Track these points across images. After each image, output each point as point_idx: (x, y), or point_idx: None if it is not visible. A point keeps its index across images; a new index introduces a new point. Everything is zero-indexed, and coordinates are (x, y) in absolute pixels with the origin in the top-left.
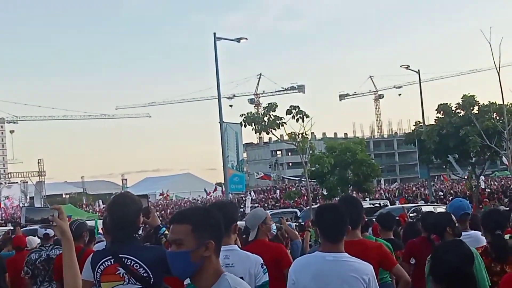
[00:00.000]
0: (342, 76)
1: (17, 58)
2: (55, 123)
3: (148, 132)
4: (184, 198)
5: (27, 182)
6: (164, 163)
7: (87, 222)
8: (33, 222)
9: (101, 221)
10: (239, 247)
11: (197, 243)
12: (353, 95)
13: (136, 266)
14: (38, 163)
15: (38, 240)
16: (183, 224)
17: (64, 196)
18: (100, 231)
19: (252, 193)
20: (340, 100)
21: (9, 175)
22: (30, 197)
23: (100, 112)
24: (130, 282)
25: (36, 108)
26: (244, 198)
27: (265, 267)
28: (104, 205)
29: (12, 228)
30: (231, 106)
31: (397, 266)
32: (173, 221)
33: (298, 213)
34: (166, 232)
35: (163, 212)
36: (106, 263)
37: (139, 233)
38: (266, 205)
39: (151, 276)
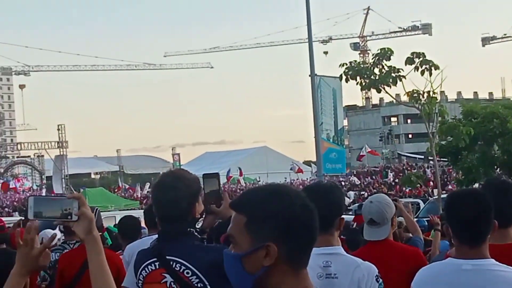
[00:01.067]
0: (485, 12)
1: None
2: (80, 76)
3: (209, 89)
4: (259, 181)
5: (42, 156)
6: (232, 133)
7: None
8: (44, 217)
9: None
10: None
11: (251, 244)
12: (502, 38)
13: (188, 272)
14: (58, 130)
15: (59, 234)
16: (238, 214)
17: (93, 176)
18: (143, 224)
19: (353, 177)
20: (483, 46)
21: (19, 146)
22: (46, 177)
23: (143, 60)
24: None
25: (55, 54)
26: (344, 183)
27: (381, 280)
28: (148, 189)
29: (23, 218)
30: (326, 53)
31: None
32: (232, 207)
33: (421, 205)
34: None
35: None
36: (149, 267)
37: (197, 227)
38: (374, 193)
39: (208, 286)
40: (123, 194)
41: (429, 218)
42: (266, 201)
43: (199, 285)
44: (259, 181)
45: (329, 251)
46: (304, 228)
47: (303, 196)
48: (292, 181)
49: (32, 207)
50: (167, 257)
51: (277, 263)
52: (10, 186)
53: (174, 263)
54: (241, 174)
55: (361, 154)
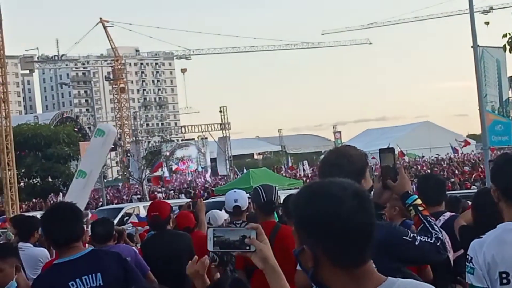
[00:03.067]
0: None
1: None
2: (240, 57)
3: (367, 65)
4: (422, 156)
5: (206, 138)
6: (393, 109)
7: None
8: (223, 248)
9: None
10: None
11: (298, 245)
12: None
13: None
14: (221, 112)
15: (226, 215)
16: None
17: (256, 156)
18: None
19: None
20: None
21: (183, 129)
22: (211, 159)
23: (301, 39)
24: None
25: (215, 37)
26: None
27: None
28: (310, 168)
29: (189, 200)
30: (487, 23)
31: None
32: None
33: None
34: (418, 201)
35: None
36: None
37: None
38: None
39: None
40: (286, 174)
41: None
42: (301, 205)
43: None
44: (423, 156)
45: None
46: (342, 228)
47: (345, 195)
48: (455, 156)
49: (212, 238)
50: None
51: (321, 262)
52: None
53: None
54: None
55: None
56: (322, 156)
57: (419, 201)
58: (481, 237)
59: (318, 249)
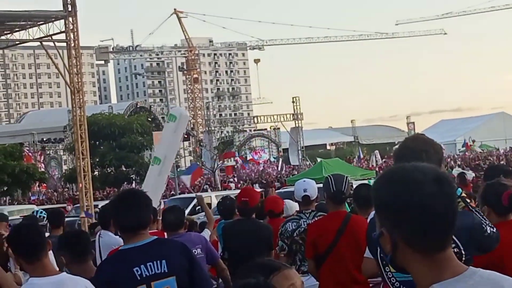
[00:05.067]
0: None
1: None
2: (313, 48)
3: (443, 56)
4: (497, 148)
5: (278, 128)
6: (469, 100)
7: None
8: None
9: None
10: None
11: (379, 229)
12: None
13: None
14: (293, 102)
15: (296, 205)
16: None
17: (329, 147)
18: None
19: None
20: None
21: (255, 119)
22: (283, 149)
23: (375, 30)
24: None
25: (288, 28)
26: None
27: None
28: (384, 159)
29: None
30: None
31: None
32: None
33: None
34: (463, 193)
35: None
36: None
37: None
38: None
39: (462, 250)
40: (359, 164)
41: None
42: (380, 189)
43: (455, 249)
44: (497, 148)
45: None
46: (420, 214)
47: (426, 180)
48: None
49: None
50: None
51: (400, 247)
52: (248, 158)
53: None
54: (467, 147)
55: None
56: (401, 142)
57: (464, 194)
58: None
59: (397, 234)
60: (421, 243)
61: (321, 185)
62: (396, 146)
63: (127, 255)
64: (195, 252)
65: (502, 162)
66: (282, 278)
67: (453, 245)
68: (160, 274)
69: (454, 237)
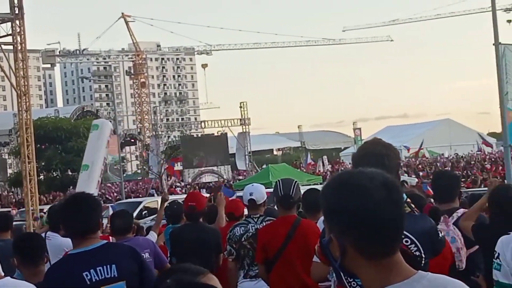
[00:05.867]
0: None
1: None
2: (261, 53)
3: (389, 62)
4: (442, 154)
5: (226, 133)
6: (414, 107)
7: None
8: None
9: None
10: None
11: (328, 234)
12: None
13: (407, 242)
14: (241, 107)
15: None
16: None
17: (275, 152)
18: None
19: None
20: None
21: (202, 124)
22: (230, 154)
23: (322, 36)
24: None
25: (236, 33)
26: None
27: None
28: (330, 164)
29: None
30: (509, 21)
31: None
32: None
33: None
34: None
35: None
36: None
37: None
38: None
39: (423, 254)
40: (305, 170)
41: None
42: (328, 195)
43: (417, 253)
44: (443, 154)
45: None
46: (368, 220)
47: (373, 186)
48: (477, 154)
49: None
50: None
51: (349, 252)
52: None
53: None
54: (415, 153)
55: None
56: (359, 147)
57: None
58: (509, 234)
59: (346, 240)
60: (369, 249)
61: (270, 190)
62: (354, 152)
63: (76, 260)
64: (143, 256)
65: (447, 168)
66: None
67: (415, 249)
68: (110, 278)
69: (416, 241)
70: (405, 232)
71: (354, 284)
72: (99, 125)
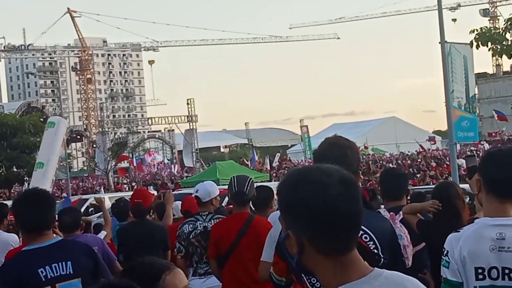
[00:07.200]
0: None
1: None
2: (208, 50)
3: (335, 60)
4: (386, 152)
5: (173, 130)
6: (362, 104)
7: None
8: None
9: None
10: None
11: (284, 231)
12: None
13: (366, 238)
14: (188, 104)
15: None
16: None
17: (222, 149)
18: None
19: (486, 144)
20: None
21: (149, 121)
22: (178, 151)
23: (269, 33)
24: None
25: (183, 29)
26: (474, 152)
27: None
28: (278, 162)
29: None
30: (454, 20)
31: None
32: None
33: None
34: None
35: None
36: None
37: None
38: None
39: (382, 255)
40: (253, 167)
41: None
42: (285, 191)
43: (375, 251)
44: (386, 152)
45: (504, 222)
46: (325, 216)
47: (331, 182)
48: (421, 151)
49: None
50: None
51: (306, 249)
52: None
53: None
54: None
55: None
56: (322, 142)
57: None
58: (459, 231)
59: (303, 236)
60: (327, 245)
61: (222, 187)
62: (315, 147)
63: (31, 256)
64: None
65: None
66: (175, 278)
67: (373, 246)
68: (65, 275)
69: (375, 238)
70: (364, 228)
71: (314, 280)
72: (55, 122)
